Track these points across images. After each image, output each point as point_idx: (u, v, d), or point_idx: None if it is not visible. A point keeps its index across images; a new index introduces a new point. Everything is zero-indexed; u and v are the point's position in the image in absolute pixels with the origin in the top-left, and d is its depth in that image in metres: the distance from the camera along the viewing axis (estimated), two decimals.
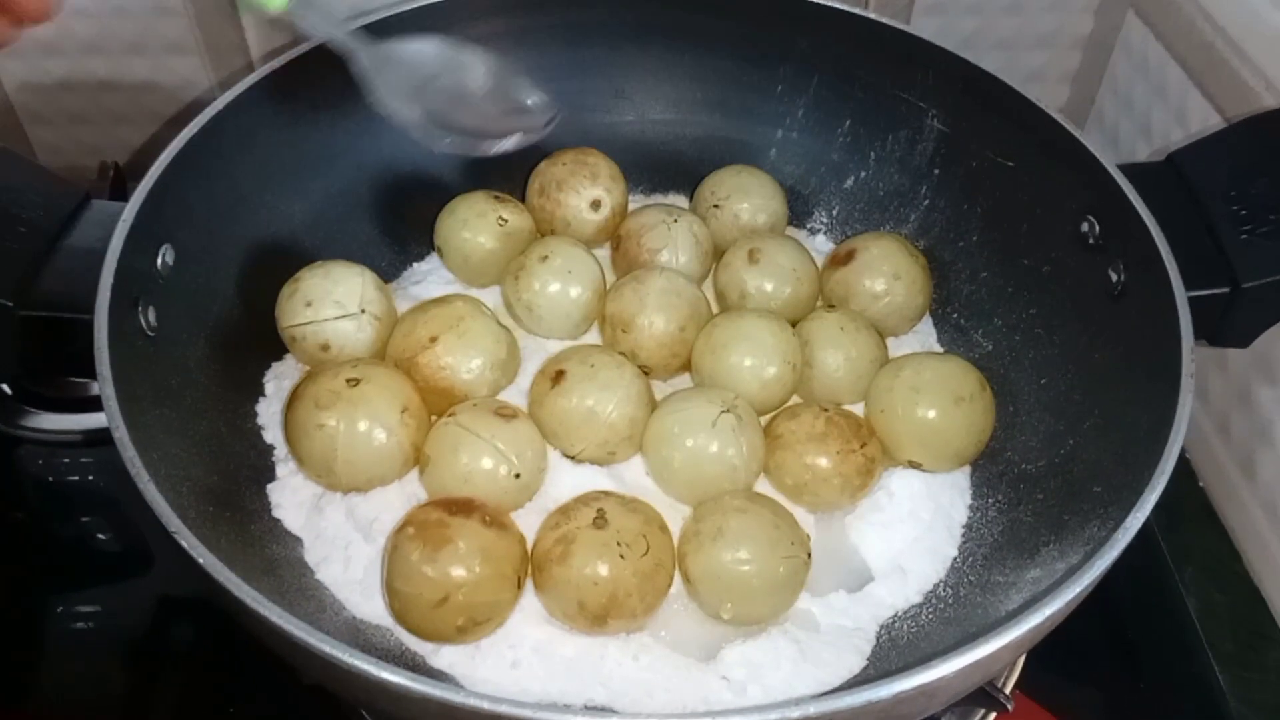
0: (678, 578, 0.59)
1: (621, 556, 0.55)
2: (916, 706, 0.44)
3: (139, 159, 0.93)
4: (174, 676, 0.66)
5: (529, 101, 0.65)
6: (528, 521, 0.60)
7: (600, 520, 0.56)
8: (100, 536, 0.74)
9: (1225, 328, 0.60)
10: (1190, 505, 0.78)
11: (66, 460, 0.76)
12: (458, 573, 0.54)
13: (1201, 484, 0.79)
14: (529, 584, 0.58)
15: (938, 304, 0.75)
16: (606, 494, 0.59)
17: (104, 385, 0.51)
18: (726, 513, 0.57)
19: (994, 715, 0.63)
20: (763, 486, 0.64)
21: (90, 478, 0.76)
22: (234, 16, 0.86)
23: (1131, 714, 0.68)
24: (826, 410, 0.64)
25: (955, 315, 0.74)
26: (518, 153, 0.78)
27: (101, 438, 0.73)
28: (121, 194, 0.82)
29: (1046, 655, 0.62)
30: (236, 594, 0.44)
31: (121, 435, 0.49)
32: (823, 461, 0.62)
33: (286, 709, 0.64)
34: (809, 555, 0.58)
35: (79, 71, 0.88)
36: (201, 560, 0.45)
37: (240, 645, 0.62)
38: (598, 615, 0.55)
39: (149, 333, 0.58)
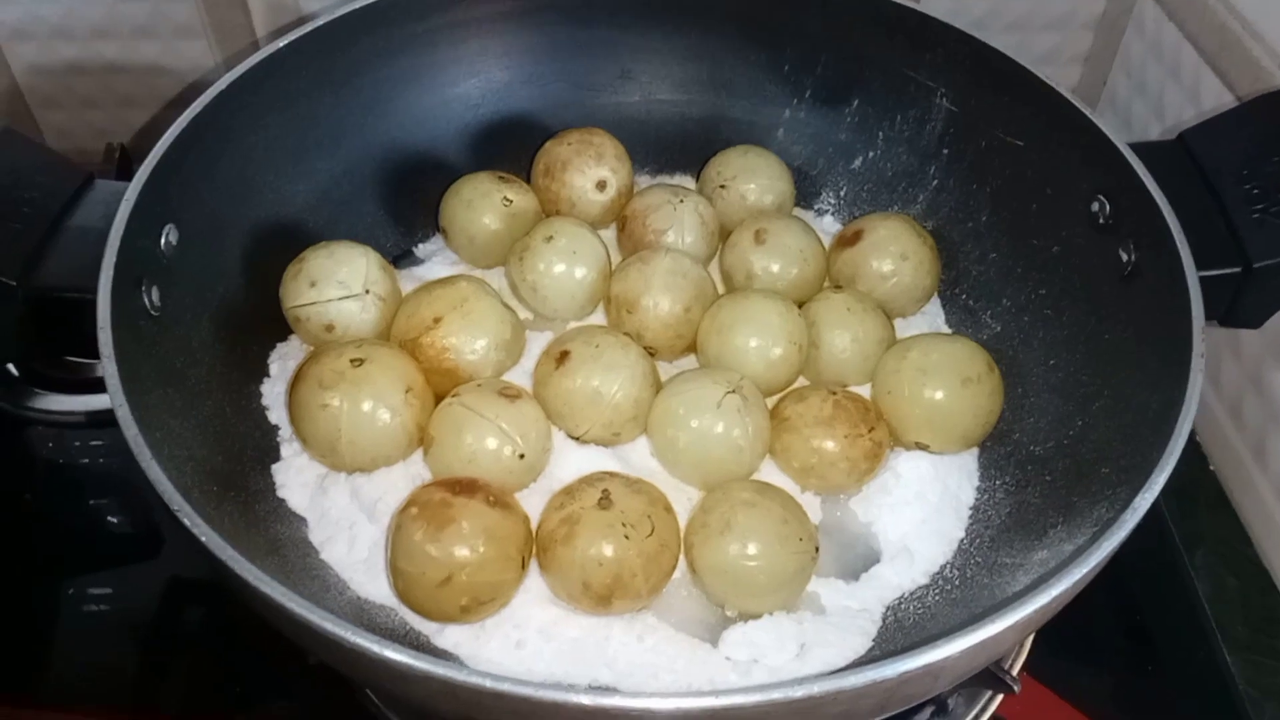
0: (682, 559, 0.59)
1: (626, 537, 0.54)
2: (921, 687, 0.44)
3: (144, 140, 0.92)
4: (184, 658, 0.66)
5: None
6: (532, 502, 0.60)
7: (605, 501, 0.55)
8: (110, 519, 0.74)
9: (1237, 308, 0.60)
10: (1202, 489, 0.77)
11: (77, 443, 0.76)
12: (461, 553, 0.53)
13: (1213, 468, 0.78)
14: (534, 564, 0.57)
15: (946, 285, 0.74)
16: (611, 474, 0.58)
17: (106, 364, 0.51)
18: (735, 506, 0.57)
19: (1000, 696, 0.62)
20: (769, 468, 0.64)
21: (101, 460, 0.76)
22: (241, 0, 0.86)
23: (1140, 698, 0.67)
24: (834, 393, 0.63)
25: (964, 296, 0.74)
26: (523, 133, 0.78)
27: (106, 419, 0.74)
28: (127, 176, 0.81)
29: (1055, 638, 0.62)
30: (239, 572, 0.44)
31: (124, 413, 0.49)
32: (830, 445, 0.61)
33: (295, 690, 0.64)
34: (817, 549, 0.58)
35: (88, 55, 0.88)
36: (204, 539, 0.45)
37: (249, 627, 0.62)
38: (602, 596, 0.55)
39: (153, 312, 0.57)
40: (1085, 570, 0.45)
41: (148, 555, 0.72)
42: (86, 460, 0.76)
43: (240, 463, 0.61)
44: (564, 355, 0.62)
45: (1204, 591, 0.71)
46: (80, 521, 0.74)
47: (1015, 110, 0.69)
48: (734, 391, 0.60)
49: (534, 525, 0.58)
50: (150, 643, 0.67)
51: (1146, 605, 0.71)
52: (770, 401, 0.65)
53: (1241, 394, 0.75)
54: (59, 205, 0.59)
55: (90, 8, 0.85)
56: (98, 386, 0.74)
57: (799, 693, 0.40)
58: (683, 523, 0.59)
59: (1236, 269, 0.58)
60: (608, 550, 0.54)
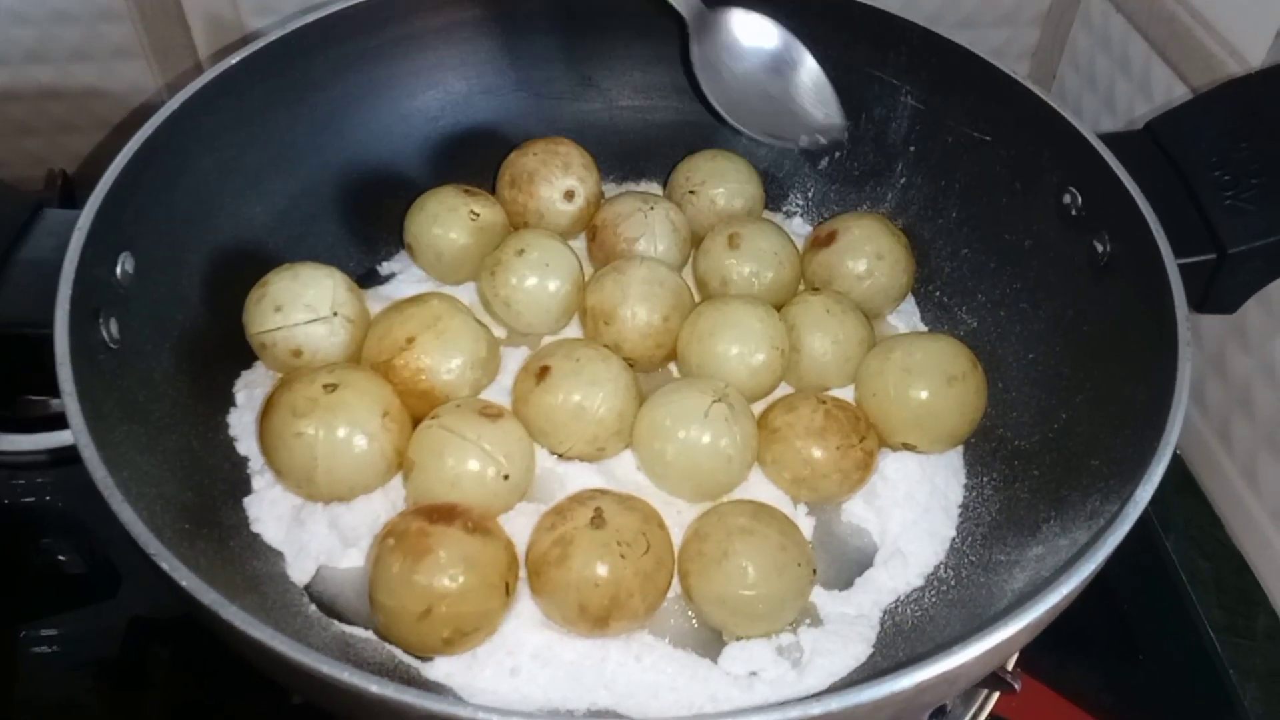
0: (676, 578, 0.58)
1: (622, 556, 0.53)
2: (937, 694, 0.43)
3: (88, 168, 0.90)
4: (147, 700, 0.64)
5: (823, 117, 0.71)
6: (518, 524, 0.58)
7: (598, 520, 0.54)
8: (62, 558, 0.71)
9: (1212, 295, 0.60)
10: (1168, 474, 0.78)
11: (21, 481, 0.73)
12: (440, 583, 0.52)
13: (1178, 452, 0.79)
14: (524, 588, 0.56)
15: (920, 282, 0.74)
16: (602, 492, 0.57)
17: (69, 402, 0.48)
18: (731, 533, 0.55)
19: (997, 695, 0.62)
20: (756, 477, 0.63)
21: (48, 498, 0.73)
22: (180, 18, 0.83)
23: (1129, 685, 0.68)
24: (824, 402, 0.62)
25: (938, 293, 0.74)
26: (485, 144, 0.77)
27: (65, 457, 0.71)
28: (71, 203, 0.79)
29: (1044, 630, 0.62)
30: (225, 616, 0.42)
31: (91, 455, 0.46)
32: (822, 457, 0.60)
33: None
34: (814, 571, 0.57)
35: (21, 80, 0.85)
36: (185, 583, 0.43)
37: (216, 664, 0.60)
38: (599, 618, 0.53)
39: (112, 345, 0.55)
40: (1094, 565, 0.45)
41: (106, 594, 0.69)
42: (32, 499, 0.73)
43: (211, 498, 0.58)
44: (544, 371, 0.61)
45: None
46: (31, 562, 0.70)
47: (981, 105, 0.69)
48: (720, 400, 0.59)
49: (522, 547, 0.57)
50: (115, 684, 0.64)
51: (1130, 593, 0.71)
52: (755, 409, 0.64)
53: (1204, 378, 0.75)
54: (7, 237, 0.56)
55: (21, 31, 0.82)
56: (49, 424, 0.72)
57: (817, 710, 0.39)
58: (674, 538, 0.58)
59: (1211, 256, 0.58)
60: (603, 571, 0.53)
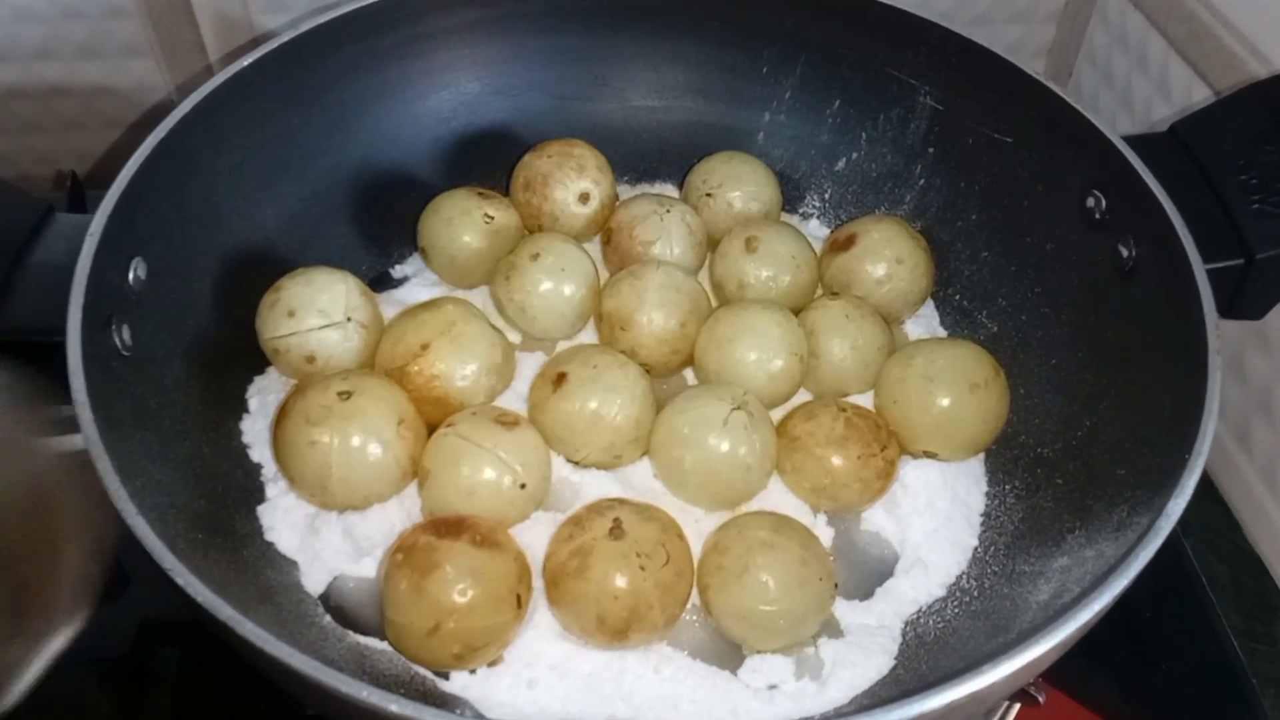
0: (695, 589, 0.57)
1: (641, 568, 0.52)
2: (966, 712, 0.42)
3: (97, 167, 0.89)
4: (154, 701, 0.63)
5: None
6: (535, 533, 0.58)
7: (617, 530, 0.53)
8: None
9: (1239, 301, 0.59)
10: None
11: None
12: (447, 599, 0.51)
13: None
14: (542, 599, 0.55)
15: (939, 286, 0.73)
16: (621, 501, 0.56)
17: (81, 411, 0.48)
18: (752, 547, 0.55)
19: (1018, 706, 0.61)
20: (777, 487, 0.62)
21: None
22: (189, 16, 0.83)
23: (1150, 695, 0.67)
24: (844, 410, 0.62)
25: (958, 297, 0.73)
26: (498, 145, 0.76)
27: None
28: (80, 204, 0.79)
29: None
30: (242, 633, 0.41)
31: (105, 465, 0.46)
32: (843, 465, 0.60)
33: None
34: (836, 585, 0.57)
35: (29, 78, 0.84)
36: (200, 598, 0.42)
37: (224, 667, 0.59)
38: (618, 629, 0.53)
39: (124, 352, 0.54)
40: (1128, 579, 0.44)
41: (112, 595, 0.68)
42: None
43: (224, 506, 0.58)
44: (561, 377, 0.60)
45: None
46: None
47: (1002, 106, 0.68)
48: (739, 408, 0.59)
49: (538, 557, 0.56)
50: (122, 684, 0.63)
51: (1150, 600, 0.70)
52: (773, 415, 0.63)
53: (1223, 380, 0.74)
54: (18, 241, 0.55)
55: (30, 28, 0.81)
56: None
57: None
58: (692, 548, 0.57)
59: (1239, 261, 0.58)
60: (622, 582, 0.52)
